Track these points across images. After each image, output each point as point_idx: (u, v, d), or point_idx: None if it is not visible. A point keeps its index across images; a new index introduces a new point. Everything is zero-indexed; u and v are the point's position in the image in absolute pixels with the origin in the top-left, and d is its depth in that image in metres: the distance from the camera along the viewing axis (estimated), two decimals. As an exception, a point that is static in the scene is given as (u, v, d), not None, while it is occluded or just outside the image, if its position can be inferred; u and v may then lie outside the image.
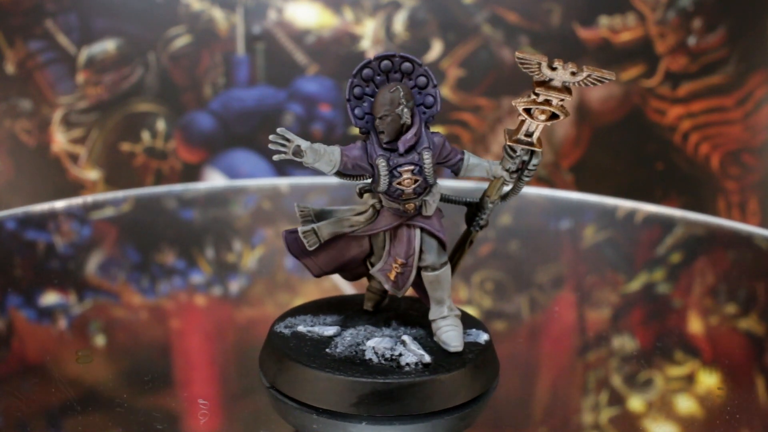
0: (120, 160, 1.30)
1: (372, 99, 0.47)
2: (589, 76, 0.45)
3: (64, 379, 0.52)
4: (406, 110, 0.45)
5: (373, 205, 0.48)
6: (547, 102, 0.46)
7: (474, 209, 0.52)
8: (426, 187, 0.47)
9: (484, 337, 0.51)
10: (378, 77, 0.47)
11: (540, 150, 0.48)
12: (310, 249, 0.49)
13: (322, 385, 0.46)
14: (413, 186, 0.46)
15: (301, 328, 0.51)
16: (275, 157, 0.45)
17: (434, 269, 0.49)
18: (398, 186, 0.46)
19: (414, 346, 0.48)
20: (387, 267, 0.49)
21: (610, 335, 0.63)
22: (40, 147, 1.28)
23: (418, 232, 0.48)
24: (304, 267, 0.51)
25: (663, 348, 0.60)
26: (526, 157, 0.48)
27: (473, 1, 1.28)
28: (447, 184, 0.88)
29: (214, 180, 1.31)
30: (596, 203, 0.99)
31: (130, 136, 1.30)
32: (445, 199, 0.50)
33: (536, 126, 0.47)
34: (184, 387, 0.53)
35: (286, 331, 0.51)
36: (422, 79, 0.47)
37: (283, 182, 1.08)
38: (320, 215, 0.50)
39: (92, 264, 0.75)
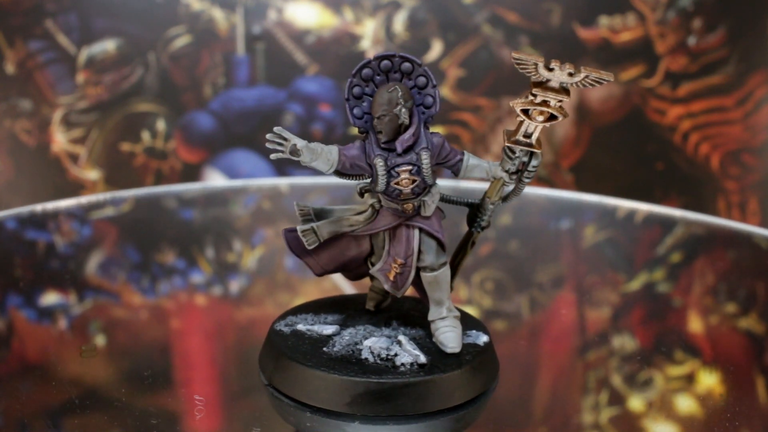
0: (120, 160, 1.30)
1: (371, 99, 0.47)
2: (586, 77, 0.44)
3: (64, 379, 0.52)
4: (404, 110, 0.45)
5: (372, 205, 0.48)
6: (545, 103, 0.46)
7: (475, 210, 0.52)
8: (424, 188, 0.47)
9: (483, 338, 0.51)
10: (377, 77, 0.47)
11: (539, 151, 0.47)
12: (309, 248, 0.49)
13: (317, 383, 0.46)
14: (411, 186, 0.46)
15: (300, 327, 0.51)
16: (272, 156, 0.45)
17: (433, 270, 0.49)
18: (396, 186, 0.46)
19: (410, 347, 0.48)
20: (386, 267, 0.49)
21: (610, 335, 0.63)
22: (40, 147, 1.28)
23: (416, 232, 0.48)
24: (306, 266, 0.51)
25: (666, 349, 0.60)
26: (525, 158, 0.48)
27: (473, 1, 1.28)
28: (448, 184, 0.89)
29: (214, 180, 1.31)
30: (596, 203, 0.99)
31: (130, 136, 1.30)
32: (446, 199, 0.50)
33: (534, 127, 0.47)
34: (184, 387, 0.53)
35: (286, 330, 0.51)
36: (422, 80, 0.47)
37: (283, 182, 1.08)
38: (320, 214, 0.50)
39: (92, 264, 0.76)
